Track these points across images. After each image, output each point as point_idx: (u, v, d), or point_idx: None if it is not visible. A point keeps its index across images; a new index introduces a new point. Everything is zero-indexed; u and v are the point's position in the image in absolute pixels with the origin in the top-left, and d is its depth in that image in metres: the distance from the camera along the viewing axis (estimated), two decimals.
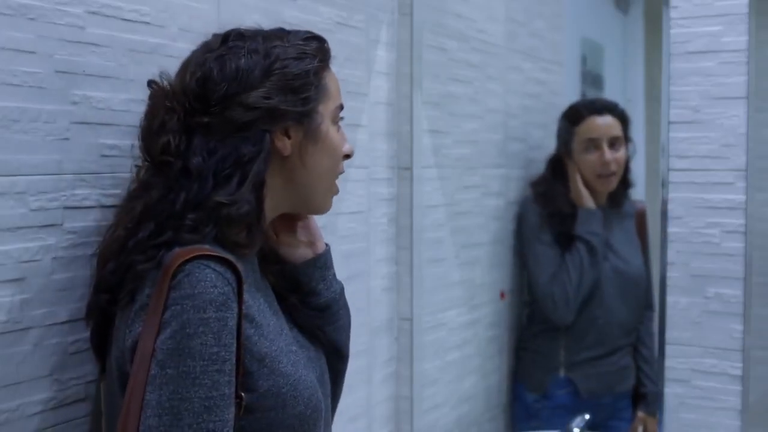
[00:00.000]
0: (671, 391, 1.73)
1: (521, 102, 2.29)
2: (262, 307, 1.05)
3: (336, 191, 1.16)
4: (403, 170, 1.87)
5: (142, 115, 1.06)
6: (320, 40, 1.13)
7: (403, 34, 1.85)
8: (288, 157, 1.08)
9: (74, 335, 1.09)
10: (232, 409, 0.95)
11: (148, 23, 1.20)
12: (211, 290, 0.94)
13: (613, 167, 2.12)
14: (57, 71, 1.07)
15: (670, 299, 1.72)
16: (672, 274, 1.72)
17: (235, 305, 0.96)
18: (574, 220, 2.13)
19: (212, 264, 0.96)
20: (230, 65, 1.04)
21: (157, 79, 1.06)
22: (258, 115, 1.04)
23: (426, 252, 1.92)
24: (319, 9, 1.59)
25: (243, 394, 0.97)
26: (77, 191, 1.10)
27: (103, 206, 1.13)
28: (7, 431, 1.02)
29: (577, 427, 1.84)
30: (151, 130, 1.04)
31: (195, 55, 1.08)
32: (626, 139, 2.16)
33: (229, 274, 0.96)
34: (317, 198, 1.14)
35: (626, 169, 2.17)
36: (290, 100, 1.06)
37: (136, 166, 1.07)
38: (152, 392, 0.92)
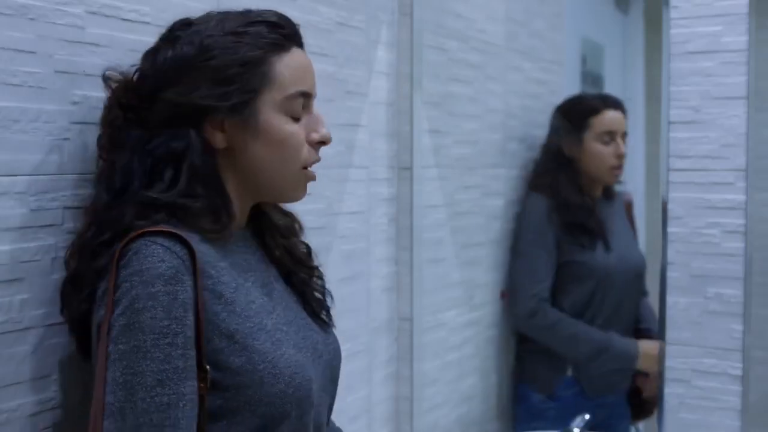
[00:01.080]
0: (671, 391, 1.72)
1: (521, 102, 2.29)
2: (241, 286, 1.04)
3: (308, 178, 1.12)
4: (403, 170, 1.87)
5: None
6: (274, 25, 1.07)
7: (404, 34, 1.85)
8: (229, 149, 1.06)
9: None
10: (191, 383, 0.95)
11: (148, 23, 1.20)
12: (159, 264, 0.94)
13: (623, 161, 2.16)
14: (57, 71, 1.07)
15: (670, 299, 1.72)
16: (672, 274, 1.72)
17: (187, 278, 0.95)
18: (583, 210, 2.13)
19: (159, 239, 0.96)
20: (159, 58, 1.04)
21: (112, 73, 1.07)
22: (178, 112, 1.03)
23: (426, 252, 1.92)
24: (319, 9, 1.59)
25: (208, 367, 0.96)
26: (77, 191, 1.10)
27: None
28: (7, 431, 1.02)
29: (577, 427, 1.84)
30: (101, 122, 1.07)
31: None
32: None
33: (178, 248, 0.96)
34: (279, 187, 1.11)
35: None
36: (215, 94, 1.03)
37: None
38: (108, 369, 0.93)
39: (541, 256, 2.15)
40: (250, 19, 1.06)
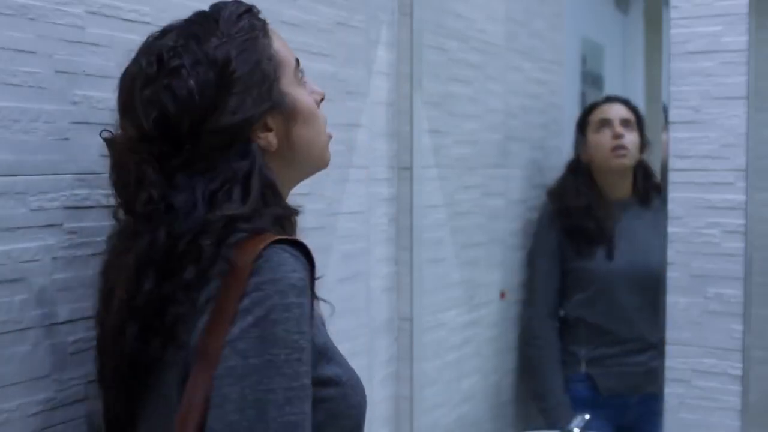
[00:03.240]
0: (671, 391, 1.73)
1: (521, 102, 2.30)
2: None
3: (329, 138, 1.12)
4: (403, 170, 1.87)
5: (110, 168, 1.00)
6: (251, 13, 1.04)
7: (403, 34, 1.85)
8: (279, 145, 1.03)
9: (74, 335, 1.09)
10: (310, 401, 0.91)
11: (148, 23, 1.20)
12: (292, 275, 0.90)
13: (626, 143, 2.16)
14: (57, 71, 1.07)
15: (670, 299, 1.72)
16: (672, 274, 1.72)
17: (310, 291, 0.92)
18: (583, 213, 2.14)
19: (288, 248, 0.92)
20: (181, 92, 0.95)
21: (109, 131, 1.01)
22: (233, 132, 0.97)
23: (426, 252, 1.92)
24: (320, 9, 1.59)
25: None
26: (77, 191, 1.10)
27: (103, 206, 1.12)
28: (7, 431, 1.02)
29: (577, 427, 1.84)
30: (126, 186, 0.97)
31: (135, 84, 0.99)
32: (640, 129, 2.20)
33: (303, 259, 0.92)
34: (317, 158, 1.11)
35: (645, 163, 2.21)
36: (256, 98, 0.99)
37: (115, 218, 1.02)
38: (232, 385, 0.86)
39: (542, 265, 2.20)
40: (229, 14, 1.01)
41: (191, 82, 0.96)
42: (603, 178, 2.19)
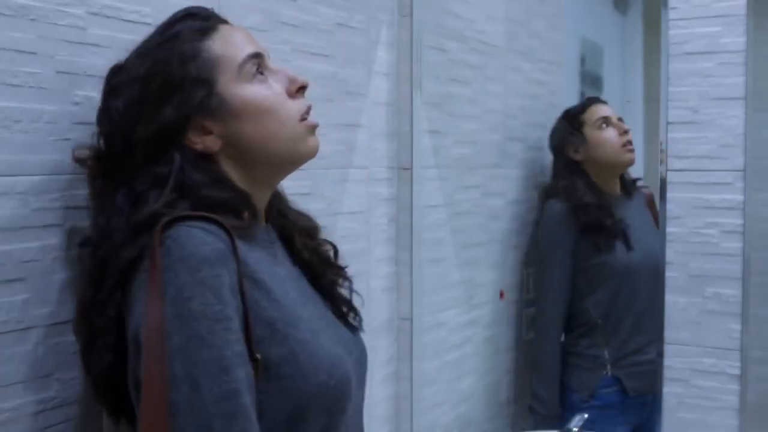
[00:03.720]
0: (670, 391, 1.73)
1: (521, 102, 2.30)
2: (276, 275, 1.01)
3: (309, 127, 1.07)
4: (403, 170, 1.87)
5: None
6: (188, 16, 1.05)
7: (403, 35, 1.86)
8: (225, 146, 1.03)
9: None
10: (247, 368, 0.91)
11: (149, 24, 1.20)
12: (203, 248, 0.90)
13: (630, 136, 2.19)
14: (58, 72, 1.07)
15: (668, 299, 1.72)
16: (670, 273, 1.72)
17: (232, 262, 0.92)
18: (600, 210, 2.14)
19: (198, 223, 0.92)
20: (113, 112, 1.02)
21: (81, 151, 1.05)
22: (156, 144, 0.99)
23: (426, 252, 1.92)
24: (319, 10, 1.60)
25: (259, 356, 0.92)
26: (78, 191, 1.10)
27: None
28: (9, 431, 1.03)
29: (576, 426, 1.84)
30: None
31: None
32: None
33: (219, 232, 0.92)
34: (287, 151, 1.06)
35: None
36: (177, 105, 1.00)
37: None
38: (168, 367, 0.88)
39: (559, 265, 2.17)
40: (165, 26, 1.05)
41: (120, 101, 1.01)
42: (603, 175, 2.19)
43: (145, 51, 1.04)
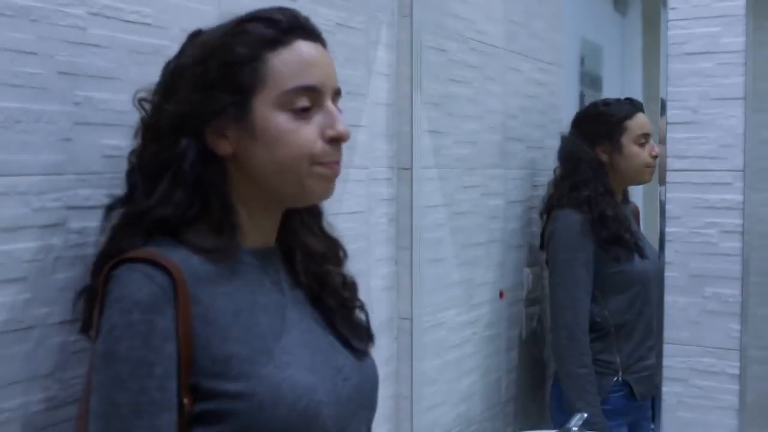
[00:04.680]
0: (669, 390, 1.73)
1: (520, 102, 2.30)
2: (244, 309, 1.00)
3: (323, 174, 1.04)
4: (403, 170, 1.88)
5: None
6: (269, 20, 1.02)
7: (403, 35, 1.86)
8: (236, 156, 1.02)
9: (76, 334, 1.10)
10: (168, 415, 0.91)
11: (149, 24, 1.20)
12: (137, 293, 0.92)
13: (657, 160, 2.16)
14: (59, 72, 1.08)
15: (668, 299, 1.72)
16: (670, 273, 1.72)
17: (167, 307, 0.92)
18: (620, 223, 2.12)
19: (140, 266, 0.93)
20: (166, 71, 1.05)
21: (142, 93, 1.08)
22: (177, 122, 1.00)
23: (426, 252, 1.92)
24: (319, 10, 1.60)
25: (186, 400, 0.93)
26: (79, 191, 1.10)
27: (104, 206, 1.13)
28: (9, 430, 1.03)
29: (576, 426, 1.85)
30: None
31: None
32: None
33: (159, 275, 0.93)
34: (293, 190, 1.04)
35: None
36: (205, 99, 1.00)
37: None
38: (91, 399, 0.92)
39: (578, 278, 2.11)
40: (246, 18, 1.03)
41: (172, 65, 1.05)
42: (617, 183, 2.17)
43: (217, 30, 1.04)
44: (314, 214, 1.16)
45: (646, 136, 2.16)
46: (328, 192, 1.07)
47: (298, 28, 1.03)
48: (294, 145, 1.01)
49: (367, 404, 1.11)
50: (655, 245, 1.88)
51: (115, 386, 0.90)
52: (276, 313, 1.04)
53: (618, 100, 2.30)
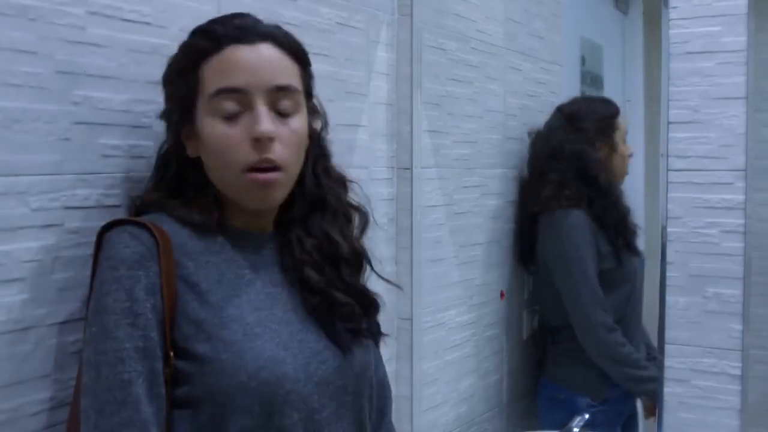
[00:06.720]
0: (670, 391, 1.73)
1: (520, 102, 2.30)
2: (229, 280, 1.06)
3: (252, 182, 1.05)
4: (403, 170, 1.87)
5: None
6: (203, 32, 1.08)
7: (403, 35, 1.86)
8: (199, 156, 1.11)
9: (75, 335, 1.10)
10: (152, 363, 0.98)
11: (148, 24, 1.20)
12: (124, 250, 0.99)
13: None
14: (58, 72, 1.07)
15: (669, 299, 1.72)
16: (671, 273, 1.72)
17: (151, 264, 1.00)
18: (622, 220, 2.12)
19: (129, 227, 1.02)
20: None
21: None
22: (165, 125, 1.14)
23: (426, 252, 1.92)
24: (319, 9, 1.59)
25: (173, 353, 1.00)
26: (78, 191, 1.10)
27: (103, 206, 1.13)
28: (8, 431, 1.02)
29: (577, 427, 1.84)
30: None
31: None
32: None
33: (145, 236, 1.01)
34: (233, 194, 1.09)
35: None
36: (171, 109, 1.11)
37: None
38: (84, 351, 0.99)
39: (592, 274, 2.09)
40: (192, 31, 1.11)
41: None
42: (611, 179, 2.18)
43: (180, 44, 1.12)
44: (348, 218, 1.23)
45: (625, 134, 2.19)
46: (265, 200, 1.09)
47: (234, 35, 1.06)
48: (224, 150, 1.05)
49: (353, 390, 1.11)
50: (656, 245, 1.87)
51: (103, 336, 0.97)
52: (262, 291, 1.09)
53: (603, 98, 2.33)
